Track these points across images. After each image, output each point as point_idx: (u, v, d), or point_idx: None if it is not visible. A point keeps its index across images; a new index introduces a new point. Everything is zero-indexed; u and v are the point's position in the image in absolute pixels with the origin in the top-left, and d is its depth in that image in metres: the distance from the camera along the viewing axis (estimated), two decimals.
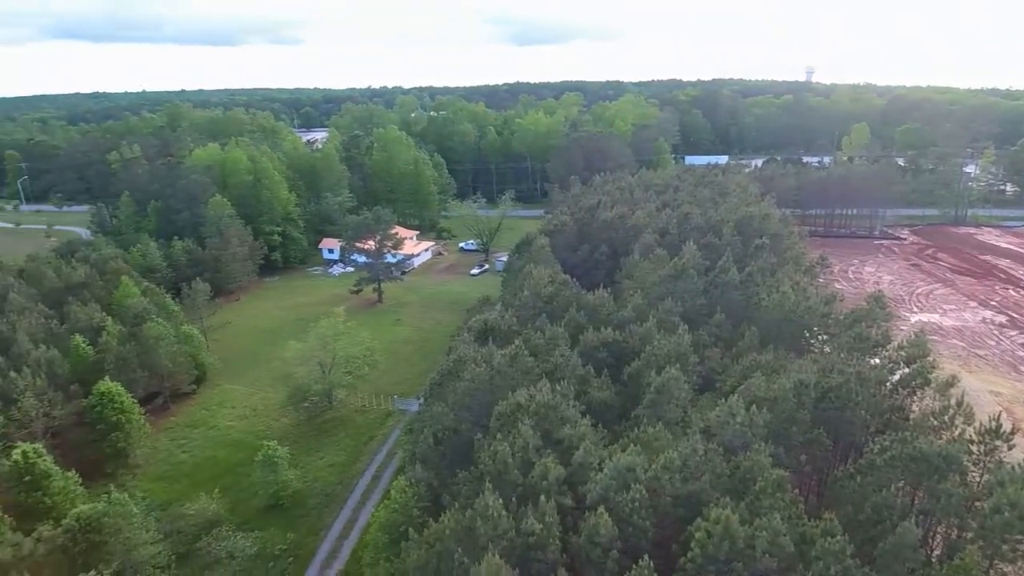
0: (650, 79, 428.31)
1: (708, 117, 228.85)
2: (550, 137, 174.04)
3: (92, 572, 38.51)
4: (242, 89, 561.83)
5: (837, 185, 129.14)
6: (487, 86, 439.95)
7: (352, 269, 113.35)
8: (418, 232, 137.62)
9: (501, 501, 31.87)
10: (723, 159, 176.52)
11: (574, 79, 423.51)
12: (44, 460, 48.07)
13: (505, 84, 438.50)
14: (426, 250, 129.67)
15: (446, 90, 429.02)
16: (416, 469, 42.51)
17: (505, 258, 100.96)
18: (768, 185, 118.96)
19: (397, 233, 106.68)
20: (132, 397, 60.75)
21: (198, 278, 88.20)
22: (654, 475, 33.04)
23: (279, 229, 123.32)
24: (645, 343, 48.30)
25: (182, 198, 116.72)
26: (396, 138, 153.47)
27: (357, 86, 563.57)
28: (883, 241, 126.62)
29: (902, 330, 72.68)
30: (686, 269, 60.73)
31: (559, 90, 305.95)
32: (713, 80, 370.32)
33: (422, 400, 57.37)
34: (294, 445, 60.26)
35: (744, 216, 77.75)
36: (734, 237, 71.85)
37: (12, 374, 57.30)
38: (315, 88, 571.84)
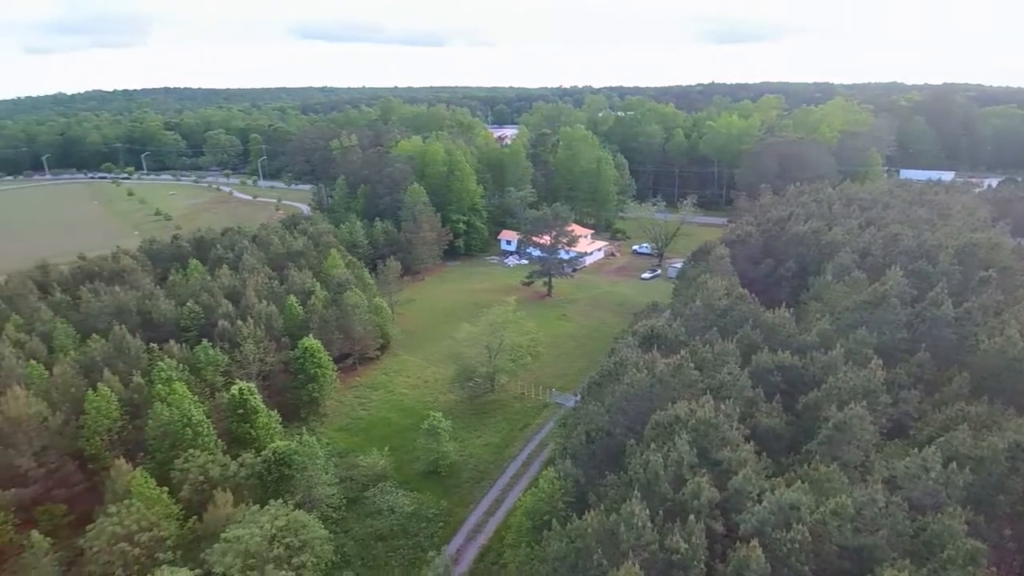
0: (865, 81, 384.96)
1: (934, 126, 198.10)
2: (742, 141, 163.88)
3: (279, 500, 44.73)
4: (445, 87, 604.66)
5: None
6: (679, 86, 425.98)
7: (526, 262, 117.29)
8: (593, 231, 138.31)
9: (648, 512, 31.24)
10: (948, 175, 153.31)
11: (776, 80, 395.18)
12: (255, 398, 56.57)
13: (699, 85, 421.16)
14: (599, 249, 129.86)
15: (636, 90, 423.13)
16: (566, 464, 43.18)
17: (679, 265, 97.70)
18: (1003, 209, 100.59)
19: (573, 230, 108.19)
20: (328, 355, 69.08)
21: (392, 257, 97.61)
22: (820, 519, 30.13)
23: (465, 218, 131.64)
24: (828, 373, 43.95)
25: (386, 184, 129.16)
26: (581, 137, 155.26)
27: (549, 85, 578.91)
28: None
29: None
30: (888, 297, 53.89)
31: (758, 92, 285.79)
32: (944, 84, 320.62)
33: (579, 397, 57.90)
34: (456, 420, 64.12)
35: (967, 243, 66.79)
36: (952, 266, 62.11)
37: (239, 322, 68.09)
38: (509, 87, 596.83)
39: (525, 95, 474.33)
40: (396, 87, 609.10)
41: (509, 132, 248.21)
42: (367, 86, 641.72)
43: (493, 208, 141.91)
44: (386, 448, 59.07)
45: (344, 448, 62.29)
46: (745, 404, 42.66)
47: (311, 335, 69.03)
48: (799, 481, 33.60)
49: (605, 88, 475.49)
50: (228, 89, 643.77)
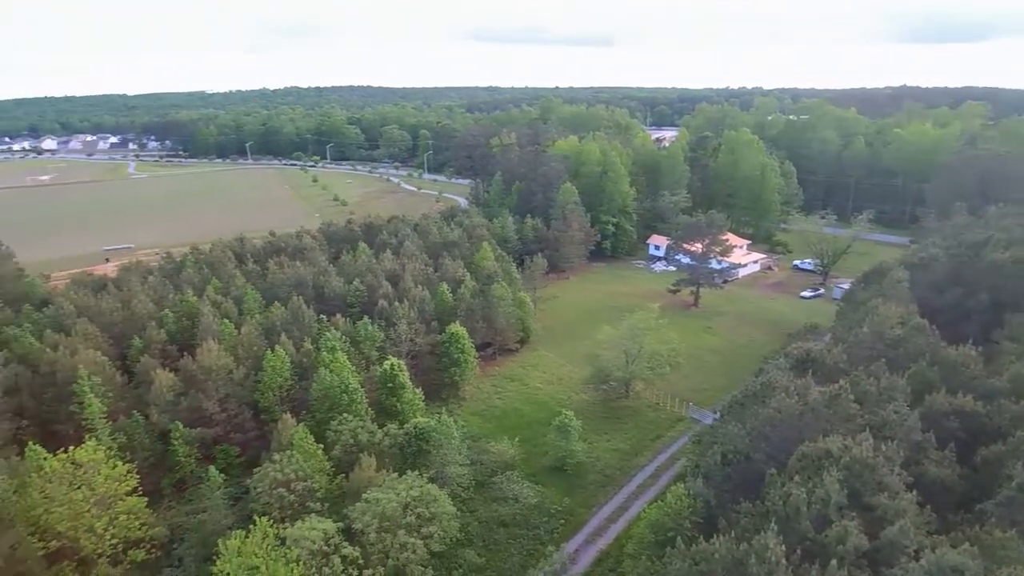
0: None
1: None
2: (936, 153, 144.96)
3: (416, 472, 47.72)
4: (605, 87, 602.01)
5: None
6: (862, 89, 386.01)
7: (674, 268, 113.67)
8: (750, 242, 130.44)
9: (783, 548, 29.19)
10: None
11: (982, 85, 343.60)
12: (403, 374, 60.79)
13: (888, 88, 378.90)
14: (755, 262, 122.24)
15: (812, 92, 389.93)
16: (697, 483, 41.51)
17: (846, 286, 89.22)
18: None
19: (727, 240, 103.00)
20: (472, 342, 72.30)
21: (539, 254, 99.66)
22: None
23: (614, 220, 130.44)
24: (1018, 426, 37.91)
25: (540, 182, 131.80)
26: (746, 141, 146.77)
27: (714, 86, 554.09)
28: None
29: None
30: None
31: (959, 97, 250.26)
32: None
33: (718, 415, 55.30)
34: (586, 421, 64.09)
35: None
36: None
37: (396, 304, 73.44)
38: (672, 87, 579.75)
39: (688, 96, 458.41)
40: (557, 87, 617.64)
41: (668, 134, 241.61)
42: (529, 86, 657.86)
43: (644, 211, 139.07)
44: (516, 439, 60.62)
45: (477, 433, 64.88)
46: (911, 448, 38.13)
47: (458, 322, 72.65)
48: (967, 543, 29.45)
49: (776, 90, 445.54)
50: (404, 88, 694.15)
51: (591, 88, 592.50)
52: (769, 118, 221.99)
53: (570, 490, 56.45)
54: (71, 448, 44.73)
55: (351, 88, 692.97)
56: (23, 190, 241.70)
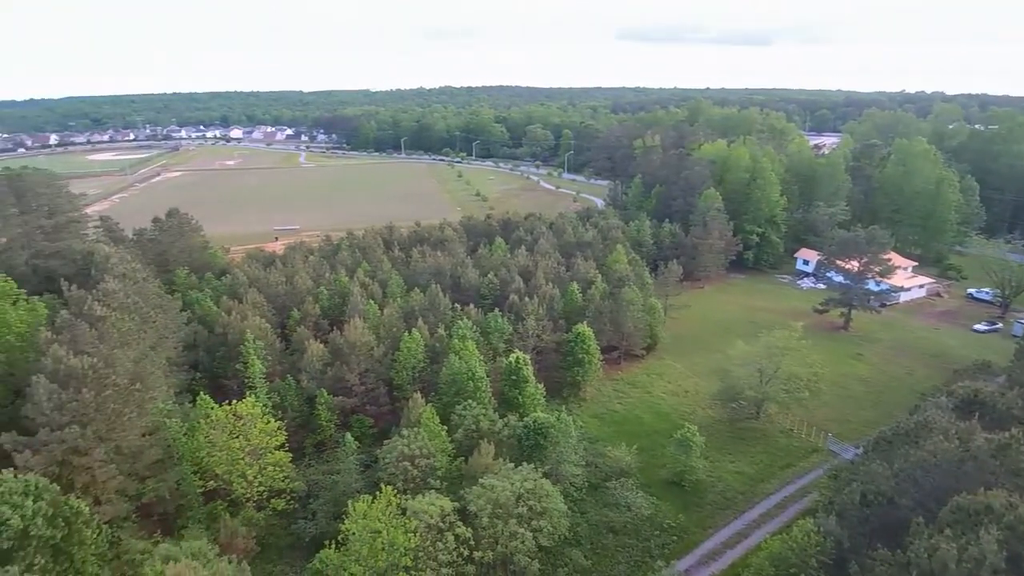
0: None
1: None
2: None
3: (531, 465, 48.64)
4: (760, 88, 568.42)
5: None
6: None
7: (824, 286, 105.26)
8: (916, 263, 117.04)
9: None
10: None
11: None
12: (527, 368, 62.05)
13: None
14: (920, 286, 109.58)
15: (1005, 100, 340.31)
16: (830, 520, 38.44)
17: None
18: None
19: (890, 259, 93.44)
20: (597, 344, 72.04)
21: (674, 260, 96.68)
22: None
23: (760, 230, 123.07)
24: None
25: (682, 186, 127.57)
26: (921, 152, 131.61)
27: (886, 89, 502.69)
28: None
29: None
30: None
31: None
32: None
33: (860, 451, 50.64)
34: (710, 438, 61.50)
35: None
36: None
37: (526, 299, 75.07)
38: (837, 90, 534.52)
39: (855, 99, 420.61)
40: (708, 88, 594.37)
41: (828, 140, 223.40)
42: (678, 87, 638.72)
43: (794, 222, 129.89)
44: (634, 446, 59.60)
45: (595, 435, 64.64)
46: None
47: (585, 322, 72.72)
48: None
49: (961, 95, 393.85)
50: (550, 88, 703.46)
51: (744, 89, 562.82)
52: (950, 127, 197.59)
53: (686, 507, 54.55)
54: (233, 401, 50.93)
55: (500, 88, 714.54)
56: (213, 172, 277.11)
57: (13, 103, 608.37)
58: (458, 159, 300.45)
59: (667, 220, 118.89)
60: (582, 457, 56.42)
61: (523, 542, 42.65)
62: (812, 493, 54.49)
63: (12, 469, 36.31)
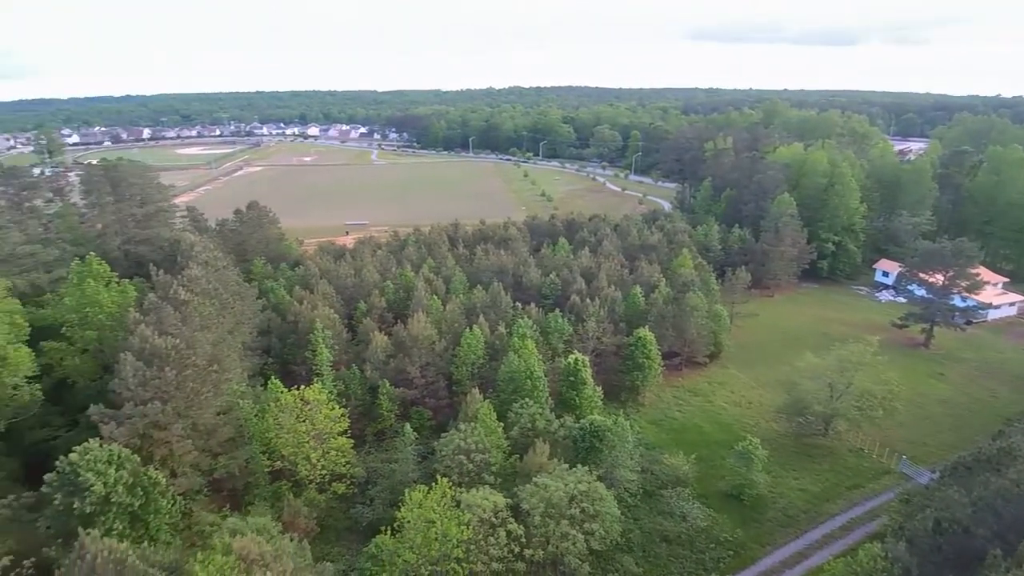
0: None
1: None
2: None
3: (585, 467, 48.46)
4: (842, 90, 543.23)
5: None
6: None
7: (903, 300, 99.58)
8: (1008, 280, 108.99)
9: None
10: None
11: None
12: (586, 370, 61.78)
13: None
14: (1012, 304, 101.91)
15: None
16: (899, 547, 36.44)
17: None
18: None
19: (978, 274, 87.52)
20: (658, 349, 70.89)
21: (743, 267, 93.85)
22: None
23: (836, 238, 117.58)
24: None
25: (754, 191, 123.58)
26: (1017, 160, 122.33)
27: (981, 93, 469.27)
28: None
29: None
30: None
31: None
32: None
33: (936, 475, 47.78)
34: (773, 452, 59.45)
35: None
36: None
37: (587, 300, 74.73)
38: (925, 93, 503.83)
39: (945, 103, 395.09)
40: (785, 89, 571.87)
41: (915, 146, 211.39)
42: (753, 88, 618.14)
43: (874, 231, 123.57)
44: (692, 456, 58.32)
45: (652, 442, 63.65)
46: None
47: (647, 327, 71.70)
48: None
49: None
50: (620, 88, 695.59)
51: (824, 91, 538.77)
52: None
53: (744, 522, 52.94)
54: (301, 387, 53.13)
55: (569, 88, 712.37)
56: (290, 168, 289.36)
57: (111, 99, 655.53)
58: (524, 159, 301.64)
59: (737, 225, 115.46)
60: (638, 463, 55.69)
61: (574, 544, 42.59)
62: (881, 517, 51.77)
63: (98, 439, 39.26)
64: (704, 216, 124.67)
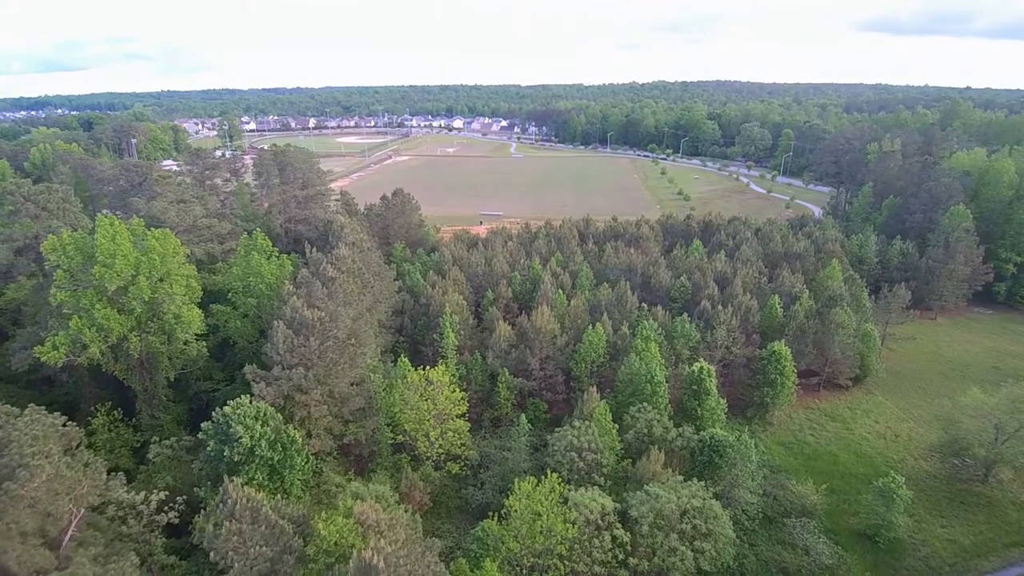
0: None
1: None
2: None
3: (702, 483, 46.42)
4: None
5: None
6: None
7: None
8: None
9: None
10: None
11: None
12: (711, 380, 58.93)
13: None
14: None
15: None
16: None
17: None
18: None
19: None
20: (794, 366, 66.00)
21: (903, 283, 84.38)
22: None
23: (1019, 259, 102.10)
24: None
25: (923, 200, 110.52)
26: None
27: None
28: None
29: None
30: None
31: None
32: None
33: None
34: (919, 494, 53.40)
35: None
36: None
37: (719, 307, 71.19)
38: None
39: None
40: (968, 87, 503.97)
41: None
42: (930, 85, 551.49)
43: None
44: (824, 486, 53.89)
45: (778, 465, 59.57)
46: None
47: (783, 341, 66.96)
48: None
49: None
50: (773, 83, 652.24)
51: (1016, 91, 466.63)
52: None
53: (876, 566, 48.02)
54: (427, 367, 55.91)
55: (717, 83, 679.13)
56: (434, 158, 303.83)
57: (284, 90, 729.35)
58: (663, 156, 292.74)
59: (898, 237, 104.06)
60: (760, 485, 52.44)
61: (682, 560, 41.13)
62: None
63: (250, 396, 43.95)
64: (860, 225, 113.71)
